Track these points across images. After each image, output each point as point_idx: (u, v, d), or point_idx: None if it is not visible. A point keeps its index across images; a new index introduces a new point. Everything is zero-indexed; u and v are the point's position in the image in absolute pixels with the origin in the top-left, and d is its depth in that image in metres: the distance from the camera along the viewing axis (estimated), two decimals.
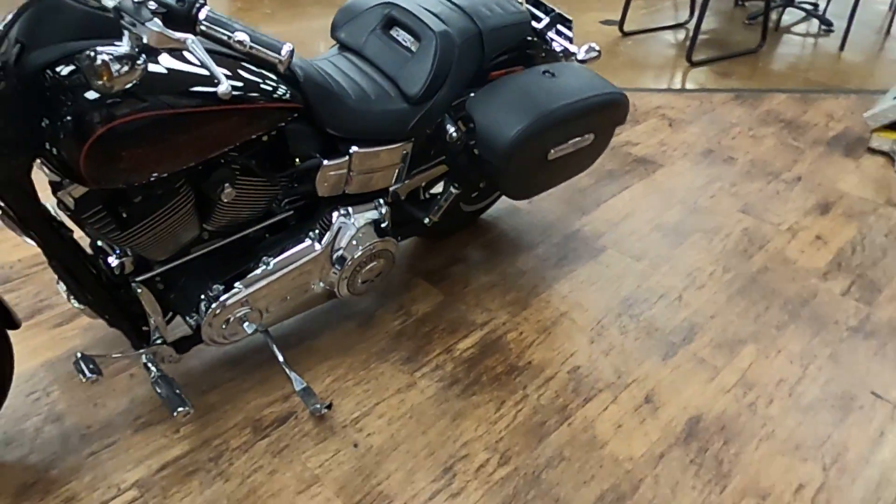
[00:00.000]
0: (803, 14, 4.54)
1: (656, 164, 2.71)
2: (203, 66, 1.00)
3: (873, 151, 2.83)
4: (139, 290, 1.39)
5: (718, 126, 3.03)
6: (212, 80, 1.14)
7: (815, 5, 4.57)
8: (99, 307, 1.39)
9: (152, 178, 1.17)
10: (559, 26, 1.91)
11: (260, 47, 0.98)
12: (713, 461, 1.54)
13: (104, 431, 1.57)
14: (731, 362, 1.80)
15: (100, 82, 0.93)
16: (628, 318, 1.93)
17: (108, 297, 1.37)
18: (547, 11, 1.91)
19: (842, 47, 3.97)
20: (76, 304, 1.45)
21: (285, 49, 1.03)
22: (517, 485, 1.48)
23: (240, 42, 0.96)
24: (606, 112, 1.77)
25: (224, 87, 0.96)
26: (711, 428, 1.62)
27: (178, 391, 1.42)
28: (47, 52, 1.04)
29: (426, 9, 1.66)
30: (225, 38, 0.96)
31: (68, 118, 1.04)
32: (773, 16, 4.50)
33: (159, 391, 1.42)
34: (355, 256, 1.61)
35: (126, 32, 0.93)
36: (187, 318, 1.49)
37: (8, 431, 1.56)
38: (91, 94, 1.05)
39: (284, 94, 1.33)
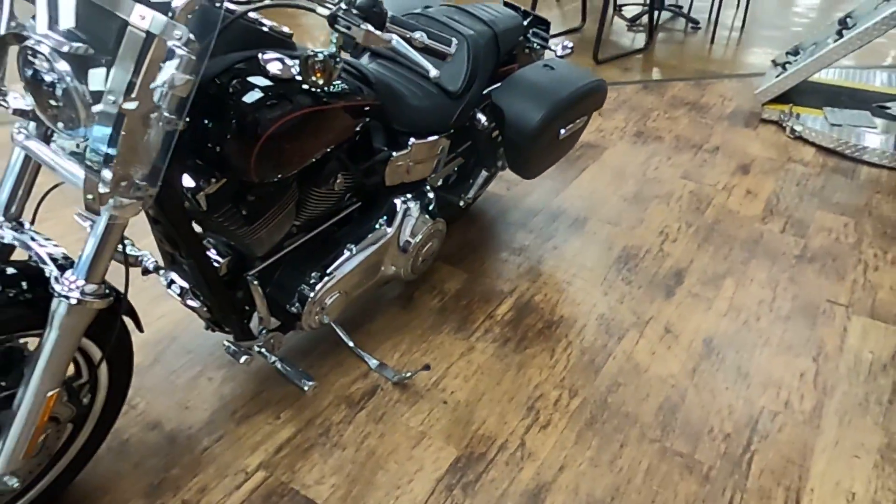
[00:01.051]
0: (671, 14, 5.22)
1: (602, 147, 3.09)
2: (408, 58, 1.17)
3: (765, 121, 3.39)
4: (254, 283, 1.50)
5: (639, 112, 3.48)
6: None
7: (680, 6, 5.26)
8: (217, 304, 1.48)
9: (294, 171, 1.31)
10: (536, 27, 2.22)
11: (434, 42, 1.16)
12: (733, 368, 1.88)
13: (208, 429, 1.65)
14: (718, 293, 2.17)
15: (314, 79, 1.08)
16: (627, 272, 2.25)
17: (226, 294, 1.47)
18: (525, 14, 2.20)
19: (712, 41, 4.64)
20: (190, 304, 1.52)
21: (454, 43, 1.22)
22: (591, 410, 1.73)
23: (419, 39, 1.15)
24: (594, 97, 2.09)
25: (434, 72, 1.14)
26: (722, 344, 1.97)
27: (300, 369, 1.54)
28: (216, 62, 1.17)
29: (448, 17, 1.90)
30: (407, 35, 1.14)
31: (240, 119, 1.17)
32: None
33: (286, 371, 1.54)
34: (419, 238, 1.80)
35: (335, 35, 1.08)
36: (288, 308, 1.61)
37: (112, 446, 1.59)
38: (257, 96, 1.18)
39: (369, 93, 1.51)
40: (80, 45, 0.98)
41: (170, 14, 0.90)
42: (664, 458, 1.61)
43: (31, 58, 1.01)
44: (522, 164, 2.03)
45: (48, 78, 0.99)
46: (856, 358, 1.93)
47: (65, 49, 0.98)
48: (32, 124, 1.16)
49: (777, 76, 3.35)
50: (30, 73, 1.02)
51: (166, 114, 0.99)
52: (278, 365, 1.56)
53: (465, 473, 1.57)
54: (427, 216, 1.85)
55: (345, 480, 1.54)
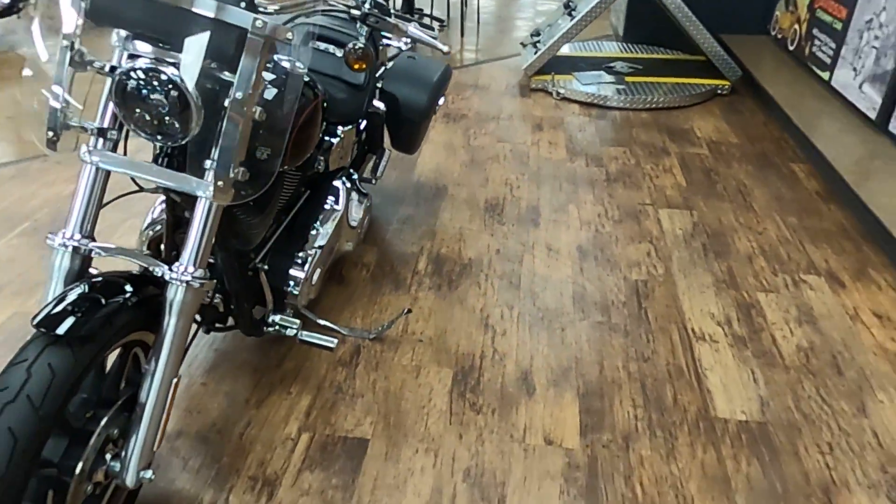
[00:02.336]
0: (418, 16, 5.89)
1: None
2: (423, 41, 1.42)
3: (535, 90, 4.16)
4: (265, 269, 1.65)
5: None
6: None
7: (421, 9, 5.95)
8: (244, 295, 1.61)
9: (306, 157, 1.52)
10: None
11: (425, 29, 1.46)
12: (604, 261, 2.48)
13: (232, 420, 1.76)
14: (568, 216, 2.77)
15: (356, 68, 1.31)
16: (497, 216, 2.75)
17: (247, 284, 1.61)
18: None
19: (462, 34, 5.39)
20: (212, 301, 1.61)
21: (437, 27, 1.53)
22: (528, 314, 2.19)
23: (414, 28, 1.43)
24: (448, 79, 2.52)
25: (447, 48, 1.43)
26: (589, 248, 2.56)
27: (316, 333, 1.74)
28: None
29: (332, 25, 2.17)
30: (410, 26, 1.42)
31: None
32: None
33: (309, 339, 1.71)
34: (361, 213, 2.07)
35: (365, 30, 1.31)
36: (286, 290, 1.77)
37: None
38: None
39: (321, 90, 1.76)
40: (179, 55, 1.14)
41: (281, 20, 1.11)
42: (594, 329, 2.12)
43: (132, 80, 1.12)
44: (410, 141, 2.40)
45: (153, 94, 1.12)
46: (673, 234, 2.66)
47: (170, 61, 1.14)
48: (100, 142, 1.24)
49: (535, 53, 4.14)
50: (128, 94, 1.13)
51: (261, 108, 1.19)
52: (302, 336, 1.74)
53: (467, 381, 1.91)
54: (359, 194, 2.12)
55: (378, 417, 1.79)
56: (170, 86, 1.13)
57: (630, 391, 1.90)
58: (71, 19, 1.16)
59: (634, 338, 2.11)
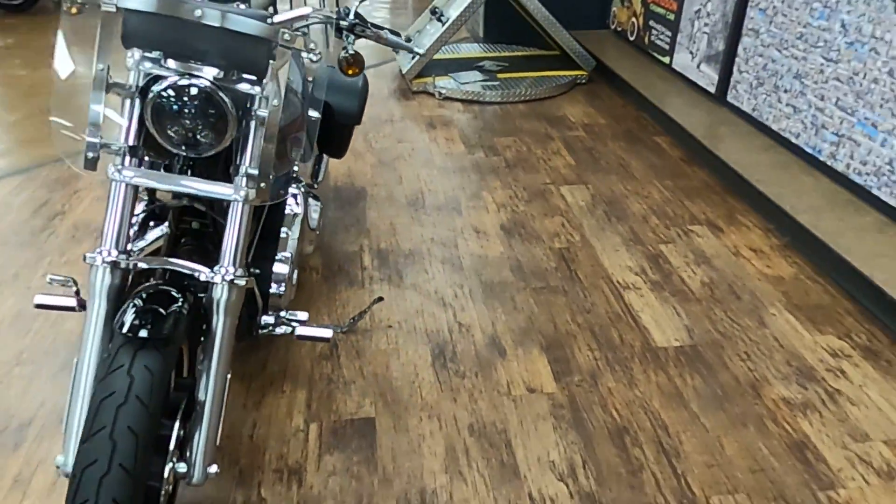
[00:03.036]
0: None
1: None
2: (402, 47, 1.53)
3: (417, 93, 4.38)
4: (258, 273, 1.72)
5: None
6: None
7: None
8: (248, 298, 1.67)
9: None
10: None
11: (392, 34, 1.59)
12: (528, 234, 2.76)
13: (237, 425, 1.82)
14: (485, 201, 3.02)
15: (350, 73, 1.42)
16: (423, 209, 2.94)
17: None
18: None
19: (327, 45, 5.49)
20: None
21: (403, 34, 1.67)
22: (481, 289, 2.41)
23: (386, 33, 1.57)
24: (368, 87, 2.67)
25: (422, 49, 1.55)
26: (511, 226, 2.83)
27: (315, 325, 1.82)
28: None
29: None
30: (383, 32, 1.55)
31: None
32: None
33: (308, 335, 1.78)
34: (318, 215, 2.16)
35: (352, 38, 1.43)
36: (271, 292, 1.83)
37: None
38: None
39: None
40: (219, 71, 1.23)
41: (304, 31, 1.23)
42: (538, 293, 2.39)
43: (170, 97, 1.18)
44: (341, 145, 2.52)
45: (190, 109, 1.19)
46: (578, 206, 3.01)
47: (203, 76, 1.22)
48: (127, 161, 1.27)
49: (413, 59, 4.37)
50: (164, 111, 1.19)
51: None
52: (298, 332, 1.81)
53: (444, 354, 2.10)
54: (314, 198, 2.22)
55: (376, 397, 1.92)
56: (206, 100, 1.22)
57: (584, 339, 2.18)
58: (106, 44, 1.20)
59: (573, 295, 2.40)
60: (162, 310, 1.21)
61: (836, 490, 1.67)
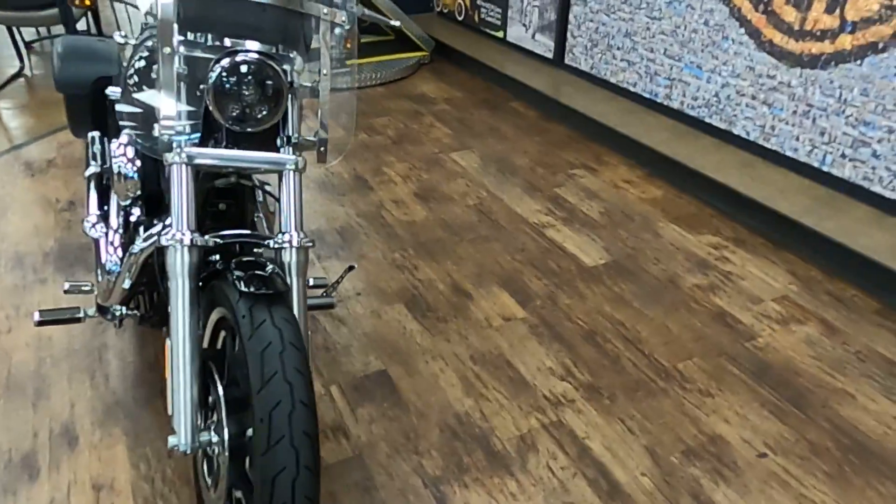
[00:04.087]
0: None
1: None
2: (379, 20, 1.63)
3: None
4: None
5: None
6: None
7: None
8: None
9: None
10: None
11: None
12: (502, 173, 2.98)
13: None
14: (392, 173, 3.19)
15: (348, 48, 1.52)
16: (334, 187, 3.03)
17: None
18: None
19: None
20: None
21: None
22: (434, 249, 2.59)
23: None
24: None
25: (397, 22, 1.66)
26: (427, 190, 3.03)
27: None
28: None
29: None
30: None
31: None
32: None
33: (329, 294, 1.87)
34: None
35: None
36: None
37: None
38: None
39: None
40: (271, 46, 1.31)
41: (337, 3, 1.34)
42: (475, 243, 2.65)
43: (234, 75, 1.24)
44: None
45: (251, 86, 1.26)
46: (473, 168, 3.31)
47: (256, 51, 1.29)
48: (185, 145, 1.29)
49: None
50: (226, 89, 1.24)
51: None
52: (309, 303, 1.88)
53: (419, 306, 2.29)
54: None
55: (379, 353, 2.07)
56: (266, 74, 1.30)
57: (529, 272, 2.49)
58: (170, 30, 1.22)
59: (504, 240, 2.70)
60: (263, 272, 1.28)
61: (755, 340, 2.16)
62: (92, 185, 2.35)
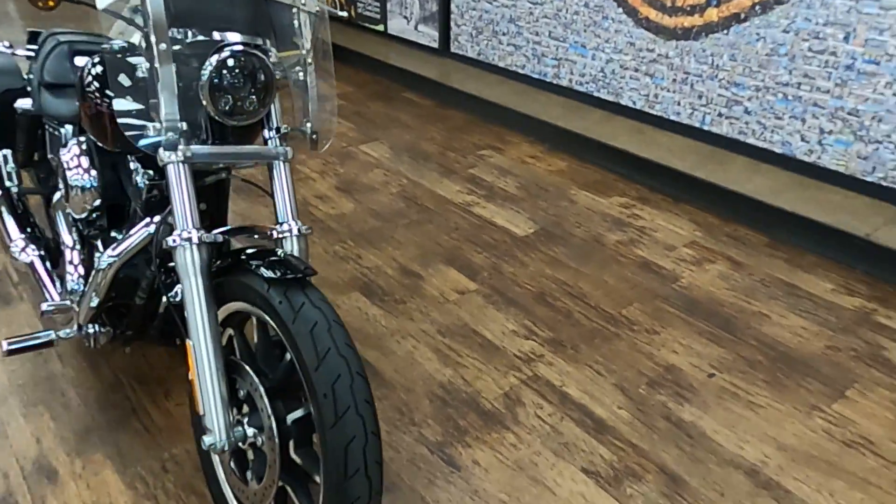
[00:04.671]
0: None
1: None
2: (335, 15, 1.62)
3: None
4: None
5: None
6: None
7: None
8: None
9: None
10: None
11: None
12: (415, 160, 3.02)
13: None
14: (306, 171, 3.17)
15: (321, 35, 1.52)
16: (248, 177, 2.97)
17: None
18: None
19: None
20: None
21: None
22: (373, 237, 2.62)
23: None
24: None
25: (345, 14, 1.67)
26: (394, 163, 3.05)
27: None
28: None
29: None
30: None
31: None
32: None
33: None
34: None
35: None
36: None
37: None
38: None
39: None
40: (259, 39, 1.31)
41: None
42: (410, 227, 2.74)
43: (226, 69, 1.23)
44: None
45: (241, 79, 1.25)
46: (386, 158, 3.38)
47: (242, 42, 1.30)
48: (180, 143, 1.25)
49: None
50: (218, 84, 1.23)
51: None
52: None
53: (375, 292, 2.33)
54: None
55: None
56: (257, 67, 1.30)
57: (468, 247, 2.61)
58: (163, 25, 1.18)
59: (437, 221, 2.80)
60: (281, 259, 1.29)
61: (679, 281, 2.43)
62: (3, 208, 2.18)
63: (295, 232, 1.43)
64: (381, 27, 4.74)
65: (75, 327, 1.63)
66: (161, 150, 1.31)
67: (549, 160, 3.38)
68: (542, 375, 1.99)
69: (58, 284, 1.86)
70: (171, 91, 1.26)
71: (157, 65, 1.23)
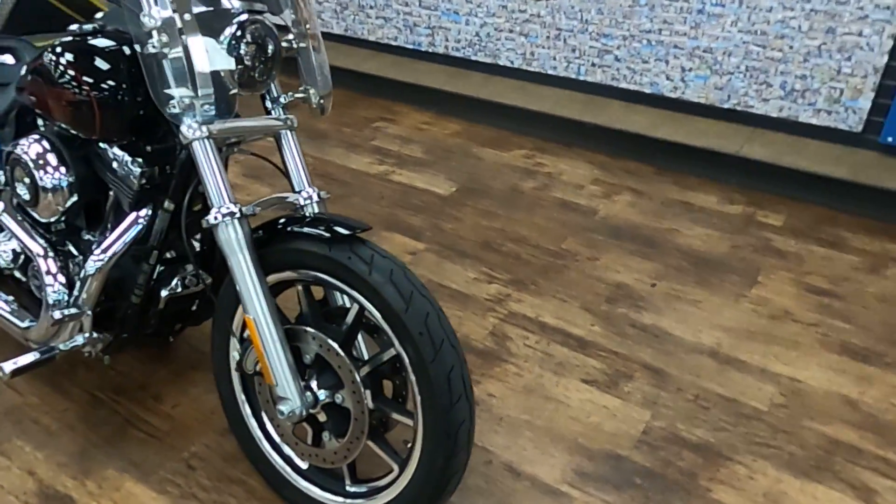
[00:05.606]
0: None
1: None
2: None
3: None
4: None
5: None
6: None
7: None
8: None
9: None
10: None
11: None
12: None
13: None
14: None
15: None
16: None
17: None
18: None
19: None
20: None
21: None
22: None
23: None
24: None
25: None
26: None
27: None
28: None
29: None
30: None
31: None
32: None
33: None
34: None
35: None
36: None
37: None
38: None
39: None
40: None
41: None
42: (337, 203, 2.74)
43: (250, 34, 1.20)
44: None
45: (254, 48, 1.24)
46: (272, 144, 3.28)
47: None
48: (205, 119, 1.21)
49: None
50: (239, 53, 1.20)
51: None
52: None
53: None
54: None
55: None
56: (267, 37, 1.28)
57: (399, 212, 2.69)
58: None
59: (361, 194, 2.83)
60: (328, 220, 1.30)
61: (598, 213, 2.70)
62: None
63: (315, 198, 1.45)
64: None
65: (78, 337, 1.50)
66: (184, 128, 1.27)
67: (442, 124, 3.51)
68: (517, 311, 2.16)
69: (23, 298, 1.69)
70: (204, 62, 1.22)
71: (183, 37, 1.19)
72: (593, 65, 3.31)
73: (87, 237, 1.59)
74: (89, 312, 1.48)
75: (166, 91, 1.25)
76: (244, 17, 1.28)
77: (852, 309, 2.18)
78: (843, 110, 2.80)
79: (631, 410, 1.80)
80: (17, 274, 1.73)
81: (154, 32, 1.23)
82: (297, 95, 1.47)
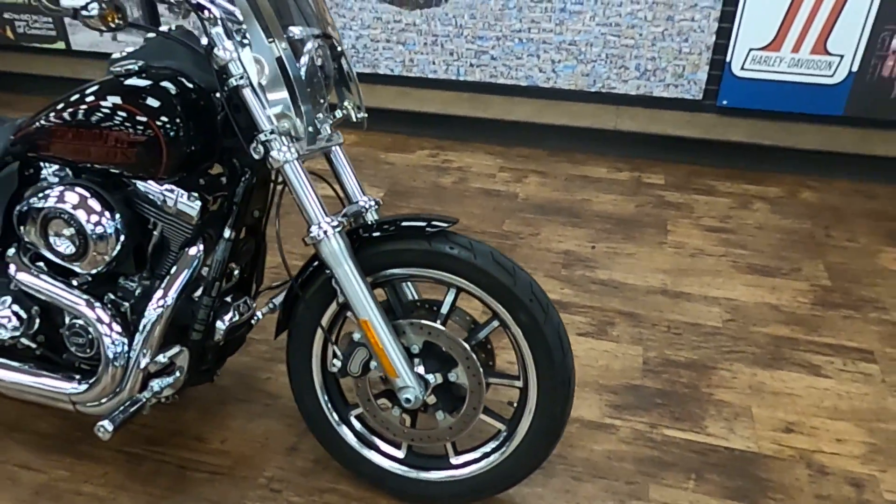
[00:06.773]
0: None
1: None
2: None
3: None
4: None
5: None
6: None
7: None
8: None
9: None
10: None
11: None
12: None
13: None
14: None
15: None
16: None
17: None
18: None
19: None
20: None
21: None
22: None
23: None
24: None
25: None
26: None
27: None
28: None
29: None
30: None
31: None
32: None
33: None
34: None
35: None
36: None
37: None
38: None
39: None
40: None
41: None
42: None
43: (318, 57, 1.25)
44: None
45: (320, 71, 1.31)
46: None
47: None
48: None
49: None
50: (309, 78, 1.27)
51: None
52: None
53: None
54: None
55: None
56: (330, 58, 1.35)
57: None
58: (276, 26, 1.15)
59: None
60: (409, 220, 1.41)
61: (518, 196, 3.00)
62: None
63: (373, 205, 1.55)
64: (61, 45, 4.14)
65: (166, 384, 1.43)
66: (275, 152, 1.31)
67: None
68: None
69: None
70: (303, 86, 1.27)
71: (286, 64, 1.24)
72: (471, 65, 3.60)
73: (126, 283, 1.52)
74: (186, 351, 1.44)
75: (259, 119, 1.28)
76: (319, 41, 1.36)
77: (744, 238, 2.71)
78: (686, 83, 3.38)
79: (626, 349, 2.11)
80: (25, 341, 1.58)
81: (230, 65, 1.26)
82: (341, 112, 1.55)
